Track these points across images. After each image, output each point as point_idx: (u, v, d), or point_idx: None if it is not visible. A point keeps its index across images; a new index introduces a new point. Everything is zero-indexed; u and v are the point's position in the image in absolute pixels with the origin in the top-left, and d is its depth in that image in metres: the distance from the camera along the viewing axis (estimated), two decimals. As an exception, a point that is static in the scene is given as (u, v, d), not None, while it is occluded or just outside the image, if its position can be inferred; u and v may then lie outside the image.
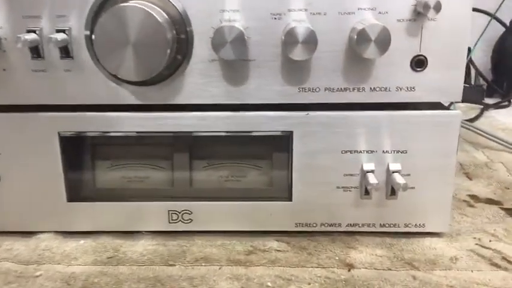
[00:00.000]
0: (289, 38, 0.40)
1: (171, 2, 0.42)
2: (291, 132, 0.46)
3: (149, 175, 0.49)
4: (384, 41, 0.40)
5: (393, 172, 0.45)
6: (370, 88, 0.44)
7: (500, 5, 0.92)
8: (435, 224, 0.47)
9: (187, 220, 0.48)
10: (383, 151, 0.46)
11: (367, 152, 0.46)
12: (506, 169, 0.65)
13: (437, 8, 0.40)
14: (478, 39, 0.99)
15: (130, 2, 0.41)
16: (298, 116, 0.45)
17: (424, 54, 0.43)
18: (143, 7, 0.39)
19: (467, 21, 0.42)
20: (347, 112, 0.45)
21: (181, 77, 0.44)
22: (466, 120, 0.85)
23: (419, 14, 0.41)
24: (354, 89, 0.44)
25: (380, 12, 0.42)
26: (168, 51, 0.40)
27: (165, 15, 0.41)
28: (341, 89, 0.44)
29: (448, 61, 0.43)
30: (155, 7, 0.41)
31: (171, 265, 0.44)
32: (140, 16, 0.39)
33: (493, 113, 0.95)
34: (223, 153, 0.48)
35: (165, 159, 0.48)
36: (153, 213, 0.48)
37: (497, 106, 1.00)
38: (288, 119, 0.45)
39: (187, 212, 0.48)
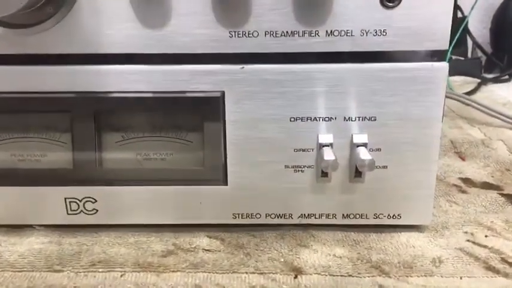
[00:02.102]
0: (205, -46, 0.28)
1: None
2: (222, 92, 0.34)
3: (46, 153, 0.37)
4: (338, -42, 0.28)
5: (358, 146, 0.34)
6: (326, 32, 0.32)
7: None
8: (414, 214, 0.36)
9: (91, 211, 0.37)
10: (345, 118, 0.34)
11: (324, 119, 0.34)
12: (507, 147, 0.53)
13: None
14: (474, 5, 0.87)
15: None
16: (231, 70, 0.34)
17: (397, -18, 0.31)
18: None
19: None
20: (296, 65, 0.33)
21: (70, 15, 0.32)
22: (461, 94, 0.74)
23: None
24: (304, 33, 0.33)
25: None
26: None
27: None
28: (287, 33, 0.33)
29: (430, -8, 0.31)
30: None
31: (57, 271, 0.32)
32: None
33: (492, 88, 0.83)
34: (142, 123, 0.37)
35: (64, 132, 0.37)
36: (47, 202, 0.37)
37: (496, 80, 0.88)
38: (217, 74, 0.34)
39: (90, 200, 0.37)
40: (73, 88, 0.34)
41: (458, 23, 0.94)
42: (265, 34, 0.33)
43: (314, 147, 0.35)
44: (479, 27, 1.09)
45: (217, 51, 0.33)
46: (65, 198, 0.37)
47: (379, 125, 0.34)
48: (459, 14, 0.99)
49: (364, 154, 0.33)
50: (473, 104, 0.62)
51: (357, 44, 0.33)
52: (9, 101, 0.35)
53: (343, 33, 0.32)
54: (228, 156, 0.36)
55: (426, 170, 0.35)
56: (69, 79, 0.34)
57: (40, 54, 0.34)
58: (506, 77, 0.90)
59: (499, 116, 0.60)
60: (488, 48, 1.06)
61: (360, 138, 0.34)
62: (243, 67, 0.34)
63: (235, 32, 0.33)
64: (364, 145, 0.34)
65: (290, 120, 0.35)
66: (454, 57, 0.96)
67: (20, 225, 0.38)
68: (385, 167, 0.35)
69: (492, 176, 0.46)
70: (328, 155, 0.33)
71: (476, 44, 0.97)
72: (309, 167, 0.35)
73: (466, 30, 0.95)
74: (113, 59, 0.34)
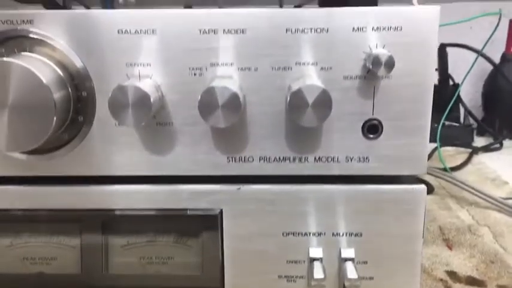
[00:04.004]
0: (206, 102, 0.32)
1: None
2: (220, 210, 0.37)
3: (55, 256, 0.40)
4: (323, 107, 0.32)
5: (346, 260, 0.37)
6: (315, 158, 0.36)
7: (486, 43, 0.84)
8: (400, 322, 0.39)
9: (97, 315, 0.39)
10: (333, 234, 0.37)
11: (313, 234, 0.37)
12: (493, 235, 0.56)
13: (390, 64, 0.32)
14: (465, 76, 0.91)
15: (12, 56, 0.33)
16: (228, 190, 0.37)
17: (378, 118, 0.35)
18: (21, 63, 0.32)
19: (431, 78, 0.34)
20: (288, 186, 0.37)
21: (83, 143, 0.36)
22: (452, 168, 0.77)
23: (370, 71, 0.34)
24: (294, 158, 0.36)
25: (323, 68, 0.34)
26: (55, 118, 0.32)
27: (58, 70, 0.34)
28: (279, 158, 0.36)
29: (407, 126, 0.35)
30: (47, 61, 0.34)
31: None
32: (18, 74, 0.32)
33: (483, 158, 0.87)
34: (145, 231, 0.39)
35: (73, 237, 0.40)
36: (56, 306, 0.40)
37: (487, 149, 0.91)
38: (216, 194, 0.37)
39: (96, 305, 0.39)
40: (83, 205, 0.37)
41: (451, 91, 0.98)
42: (260, 159, 0.36)
43: (305, 259, 0.38)
44: (471, 91, 1.14)
45: (216, 173, 0.36)
46: (73, 304, 0.39)
47: (365, 240, 0.37)
48: (451, 80, 1.03)
49: (350, 272, 0.35)
50: (462, 185, 0.65)
51: (343, 169, 0.36)
52: (24, 216, 0.38)
53: (330, 159, 0.36)
54: (225, 265, 0.38)
55: (409, 282, 0.38)
56: (79, 197, 0.37)
57: (54, 176, 0.37)
58: (498, 145, 0.93)
59: (486, 198, 0.63)
60: (480, 111, 1.10)
61: (347, 252, 0.37)
62: (239, 188, 0.37)
63: (232, 157, 0.36)
64: (351, 259, 0.37)
65: (283, 235, 0.37)
66: (447, 123, 1.00)
67: (29, 327, 0.40)
68: (371, 278, 0.38)
69: (477, 269, 0.49)
70: (318, 272, 0.36)
71: (468, 112, 1.00)
72: (301, 277, 0.38)
73: (459, 98, 0.99)
74: (120, 180, 0.37)
